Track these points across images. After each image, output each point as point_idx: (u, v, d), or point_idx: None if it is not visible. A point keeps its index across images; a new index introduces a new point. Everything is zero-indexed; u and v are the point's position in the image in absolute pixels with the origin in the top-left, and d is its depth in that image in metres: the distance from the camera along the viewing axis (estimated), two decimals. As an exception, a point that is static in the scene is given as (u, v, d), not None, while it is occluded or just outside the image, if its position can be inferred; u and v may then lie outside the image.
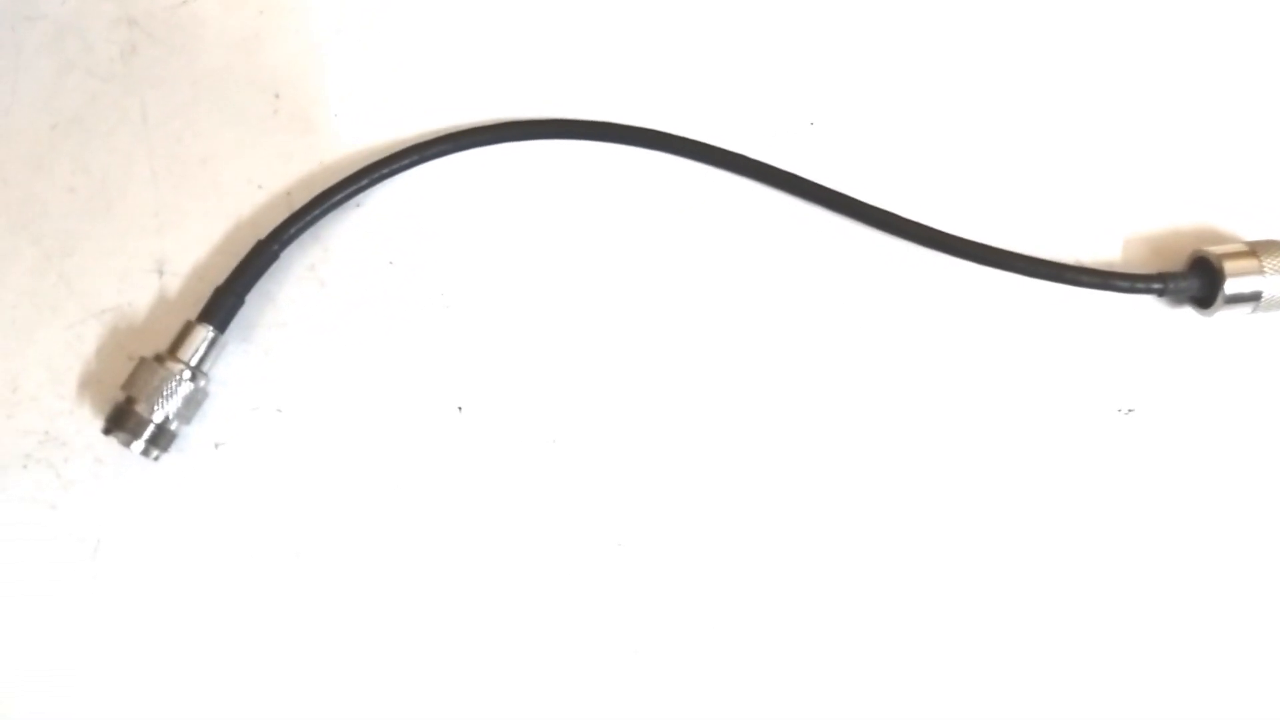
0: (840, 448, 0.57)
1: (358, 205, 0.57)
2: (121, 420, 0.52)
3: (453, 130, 0.58)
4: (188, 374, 0.53)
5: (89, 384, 0.55)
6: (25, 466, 0.55)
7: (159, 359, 0.53)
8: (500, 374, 0.56)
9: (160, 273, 0.56)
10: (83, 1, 0.59)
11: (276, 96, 0.58)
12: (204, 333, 0.53)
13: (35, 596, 0.54)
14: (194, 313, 0.54)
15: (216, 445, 0.55)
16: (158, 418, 0.52)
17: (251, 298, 0.55)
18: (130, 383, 0.53)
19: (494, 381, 0.56)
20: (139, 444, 0.52)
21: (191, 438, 0.55)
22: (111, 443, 0.54)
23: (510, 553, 0.55)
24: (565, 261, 0.58)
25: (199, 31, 0.59)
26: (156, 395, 0.52)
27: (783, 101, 0.60)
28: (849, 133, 0.59)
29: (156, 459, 0.53)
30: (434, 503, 0.55)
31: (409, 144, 0.57)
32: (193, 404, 0.53)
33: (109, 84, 0.58)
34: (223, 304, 0.54)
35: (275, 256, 0.55)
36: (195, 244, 0.57)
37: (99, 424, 0.54)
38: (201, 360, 0.53)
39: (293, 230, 0.55)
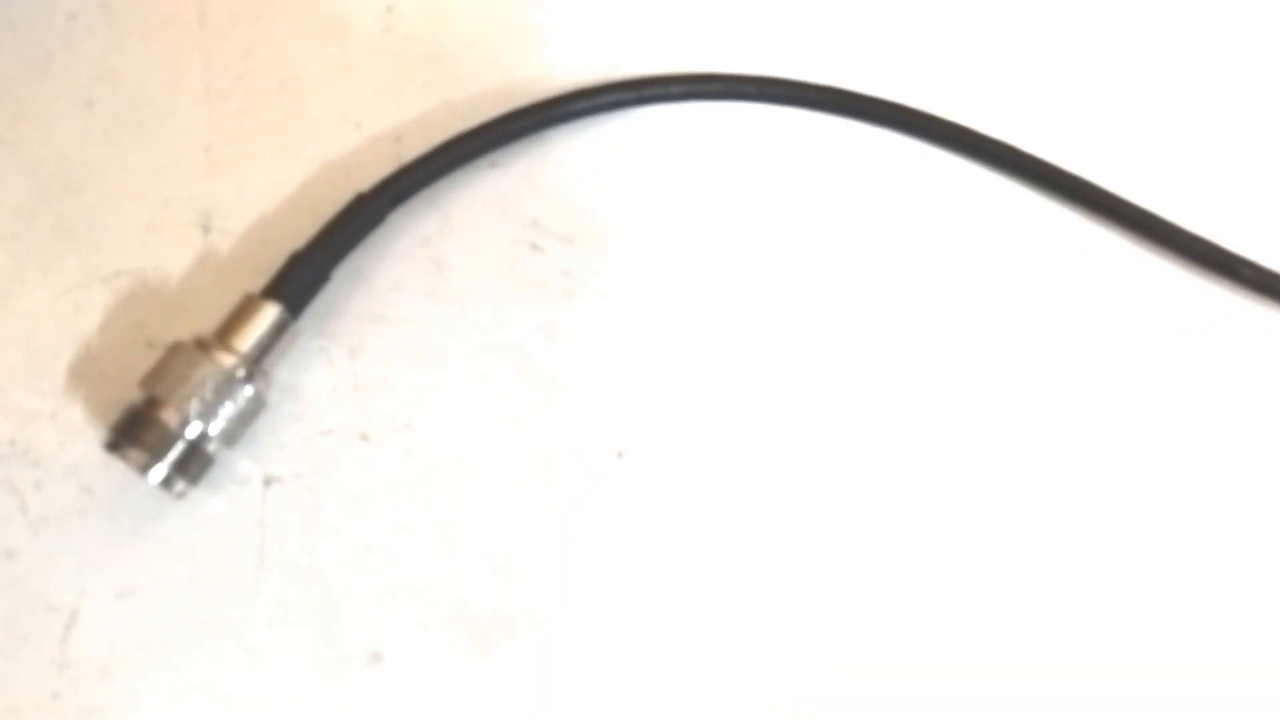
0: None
1: (493, 166, 0.42)
2: (137, 432, 0.35)
3: (631, 78, 0.43)
4: (243, 372, 0.36)
5: (85, 377, 0.38)
6: (-26, 491, 0.37)
7: (201, 346, 0.36)
8: (677, 411, 0.40)
9: (207, 228, 0.40)
10: None
11: (389, 10, 0.43)
12: (272, 313, 0.37)
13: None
14: (252, 287, 0.37)
15: (268, 481, 0.38)
16: (191, 433, 0.35)
17: (340, 275, 0.38)
18: (155, 378, 0.35)
19: (665, 420, 0.40)
20: (160, 469, 0.35)
21: (233, 468, 0.37)
22: (112, 466, 0.36)
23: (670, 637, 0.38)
24: (764, 255, 0.42)
25: (289, -89, 0.44)
26: (194, 399, 0.35)
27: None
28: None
29: (181, 495, 0.36)
30: (582, 574, 0.38)
31: (571, 89, 0.42)
32: (244, 418, 0.36)
33: (155, -34, 0.42)
34: (299, 276, 0.38)
35: (380, 219, 0.39)
36: (261, 193, 0.41)
37: (95, 435, 0.37)
38: (264, 353, 0.36)
39: (404, 187, 0.39)
